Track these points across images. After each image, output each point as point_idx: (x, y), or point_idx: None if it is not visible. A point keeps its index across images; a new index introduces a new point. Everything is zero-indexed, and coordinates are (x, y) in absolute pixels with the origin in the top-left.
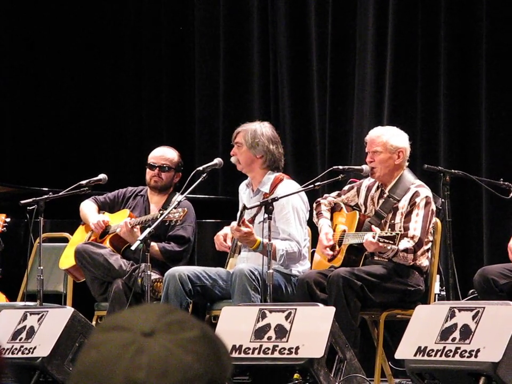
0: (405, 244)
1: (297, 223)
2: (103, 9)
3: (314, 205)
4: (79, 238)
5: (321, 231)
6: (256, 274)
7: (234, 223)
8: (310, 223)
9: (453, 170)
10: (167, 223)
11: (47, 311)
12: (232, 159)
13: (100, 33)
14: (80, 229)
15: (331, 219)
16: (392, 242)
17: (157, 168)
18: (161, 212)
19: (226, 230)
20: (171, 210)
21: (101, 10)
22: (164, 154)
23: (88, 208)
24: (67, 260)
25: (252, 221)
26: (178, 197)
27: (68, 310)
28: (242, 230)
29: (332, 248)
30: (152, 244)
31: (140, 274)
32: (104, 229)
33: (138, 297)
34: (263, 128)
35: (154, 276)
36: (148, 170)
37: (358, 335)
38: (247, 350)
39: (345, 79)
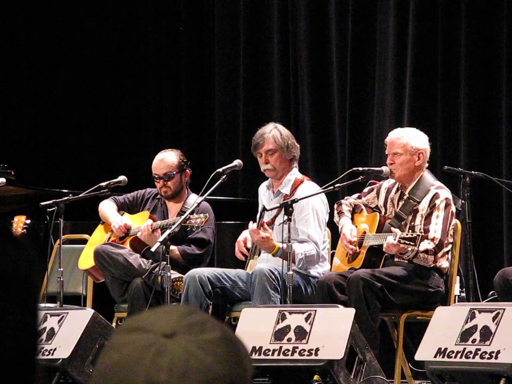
0: (425, 245)
1: (316, 224)
2: (123, 15)
3: (336, 205)
4: (98, 237)
5: (344, 227)
6: (276, 274)
7: (253, 224)
8: (330, 225)
9: (473, 172)
10: (188, 228)
11: (67, 313)
12: (267, 167)
13: (120, 38)
14: (99, 228)
15: (352, 220)
16: (413, 243)
17: (161, 180)
18: (180, 215)
19: (245, 234)
20: (192, 213)
21: (121, 16)
22: (162, 162)
23: (107, 208)
24: (86, 260)
25: (271, 222)
26: (197, 199)
27: (88, 312)
28: (261, 234)
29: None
30: (173, 247)
31: (159, 272)
32: (126, 232)
33: (158, 296)
34: (282, 129)
35: (175, 275)
36: (155, 182)
37: (378, 336)
38: (267, 351)
39: (366, 81)
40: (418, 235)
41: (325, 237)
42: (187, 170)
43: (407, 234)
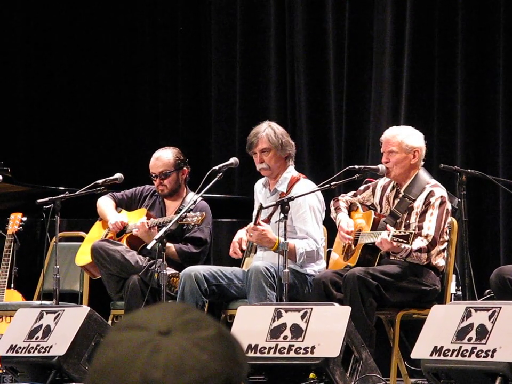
0: (419, 243)
1: (314, 222)
2: (120, 10)
3: (332, 201)
4: (96, 234)
5: (342, 221)
6: (272, 272)
7: (251, 224)
8: (326, 223)
9: (469, 170)
10: (184, 226)
11: (63, 310)
12: (263, 166)
13: (117, 33)
14: (97, 225)
15: (348, 216)
16: (406, 241)
17: (158, 178)
18: (178, 213)
19: (240, 234)
20: (189, 211)
21: (118, 11)
22: (158, 161)
23: (105, 204)
24: (83, 256)
25: (268, 220)
26: (194, 197)
27: (84, 309)
28: (259, 229)
29: (348, 246)
30: (169, 244)
31: (156, 269)
32: (120, 230)
33: (154, 293)
34: (276, 128)
35: (171, 271)
36: (153, 180)
37: (374, 334)
38: (262, 349)
39: (362, 79)
40: (411, 233)
41: (321, 235)
42: (184, 168)
43: (400, 232)
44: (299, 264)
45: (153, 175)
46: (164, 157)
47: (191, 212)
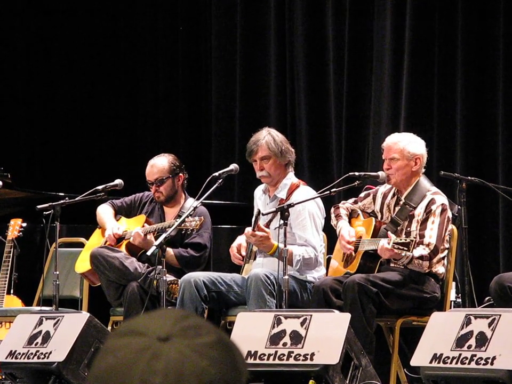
0: (421, 251)
1: (313, 229)
2: (121, 18)
3: (333, 208)
4: (95, 241)
5: (343, 229)
6: (272, 279)
7: (249, 229)
8: (326, 230)
9: (469, 177)
10: (183, 231)
11: (63, 316)
12: (263, 173)
13: (117, 41)
14: (96, 232)
15: (349, 224)
16: (406, 249)
17: (153, 185)
18: (177, 219)
19: (239, 240)
20: (188, 217)
21: (118, 19)
22: (153, 168)
23: (104, 213)
24: (83, 264)
25: (267, 226)
26: (194, 203)
27: (84, 315)
28: (258, 235)
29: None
30: (168, 249)
31: (155, 276)
32: (118, 238)
33: (153, 300)
34: (276, 135)
35: (170, 278)
36: (149, 188)
37: (374, 341)
38: (262, 356)
39: (362, 85)
40: (412, 240)
41: (321, 242)
42: (180, 174)
43: (401, 240)
44: (295, 271)
45: (149, 182)
46: (159, 164)
47: (189, 217)
